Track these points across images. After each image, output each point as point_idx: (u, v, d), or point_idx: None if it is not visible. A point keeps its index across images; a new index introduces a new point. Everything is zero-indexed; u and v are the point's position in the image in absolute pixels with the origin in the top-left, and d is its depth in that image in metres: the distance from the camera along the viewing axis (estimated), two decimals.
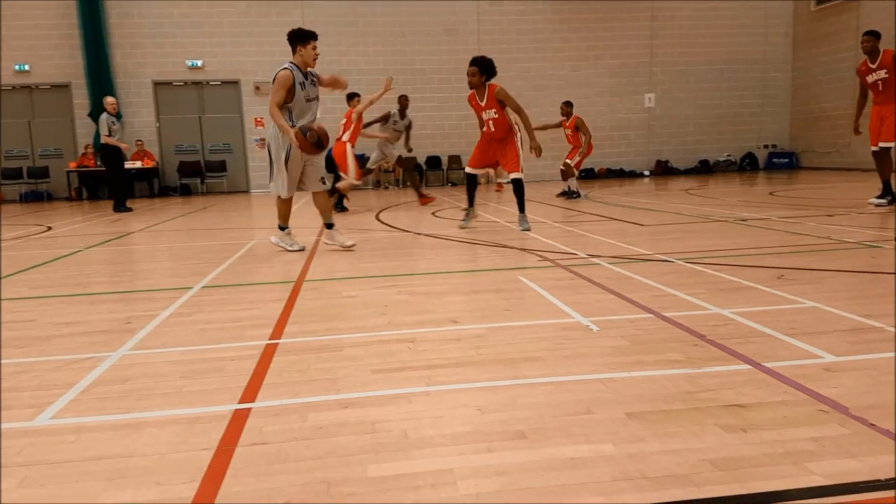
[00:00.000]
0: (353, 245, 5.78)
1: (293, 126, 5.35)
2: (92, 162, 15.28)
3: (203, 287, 4.31)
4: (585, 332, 2.93)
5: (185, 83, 16.51)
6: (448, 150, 17.35)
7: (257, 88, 16.49)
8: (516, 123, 6.67)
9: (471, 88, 6.71)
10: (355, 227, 7.80)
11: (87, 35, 15.40)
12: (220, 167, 16.66)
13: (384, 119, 10.37)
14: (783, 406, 1.99)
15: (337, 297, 3.90)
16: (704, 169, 18.12)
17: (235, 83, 16.57)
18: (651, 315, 3.16)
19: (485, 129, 6.79)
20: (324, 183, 5.76)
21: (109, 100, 11.14)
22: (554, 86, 17.13)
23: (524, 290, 3.88)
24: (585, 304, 3.46)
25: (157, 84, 16.33)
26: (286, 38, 5.51)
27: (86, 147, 15.63)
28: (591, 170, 17.46)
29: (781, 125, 18.68)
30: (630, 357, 2.54)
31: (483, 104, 6.65)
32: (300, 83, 5.37)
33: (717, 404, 2.03)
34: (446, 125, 17.30)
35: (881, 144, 7.60)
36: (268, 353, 2.73)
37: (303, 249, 5.85)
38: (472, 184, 7.15)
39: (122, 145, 11.12)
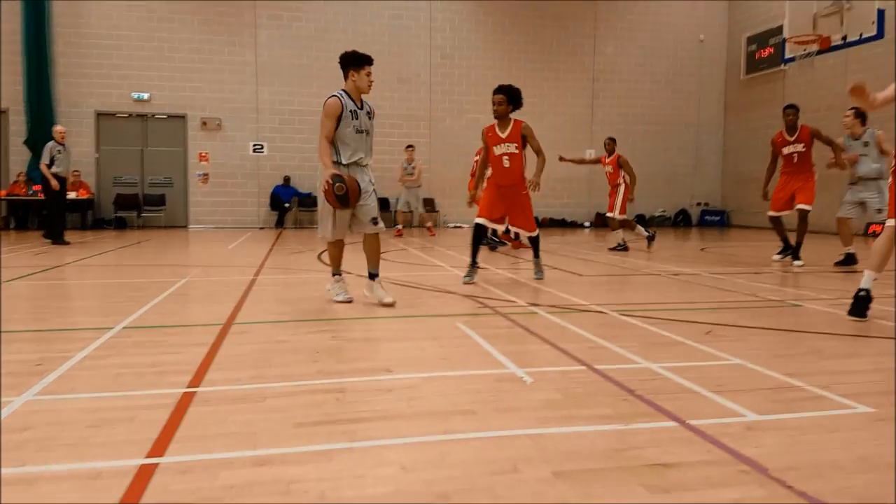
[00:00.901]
0: (392, 302, 4.91)
1: (338, 164, 4.82)
2: (23, 190, 14.66)
3: (125, 327, 4.10)
4: (519, 383, 2.90)
5: (130, 115, 16.15)
6: (397, 193, 17.47)
7: (204, 124, 16.31)
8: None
9: (496, 118, 6.26)
10: (294, 267, 7.66)
11: (30, 62, 14.98)
12: (160, 201, 16.19)
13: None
14: (705, 466, 1.99)
15: (266, 341, 3.77)
16: (640, 223, 18.67)
17: (182, 117, 16.32)
18: (584, 367, 3.16)
19: (494, 168, 6.35)
20: (375, 224, 4.94)
21: (58, 129, 11.01)
22: None
23: (462, 337, 3.85)
24: (522, 354, 3.45)
25: (99, 115, 15.92)
26: (338, 62, 5.03)
27: (18, 175, 14.98)
28: (536, 218, 17.82)
29: (713, 185, 19.59)
30: (561, 411, 2.52)
31: (504, 136, 6.23)
32: (351, 111, 4.83)
33: (643, 463, 2.02)
34: (396, 168, 17.50)
35: (800, 207, 7.93)
36: (184, 403, 2.59)
37: (350, 301, 5.04)
38: (479, 236, 6.42)
39: (53, 182, 10.70)
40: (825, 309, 4.88)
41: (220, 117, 16.42)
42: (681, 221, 18.97)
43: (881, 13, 11.13)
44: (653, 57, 18.96)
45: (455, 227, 18.08)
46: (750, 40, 18.10)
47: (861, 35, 11.48)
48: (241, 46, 16.38)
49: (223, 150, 16.54)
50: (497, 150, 6.30)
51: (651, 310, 4.82)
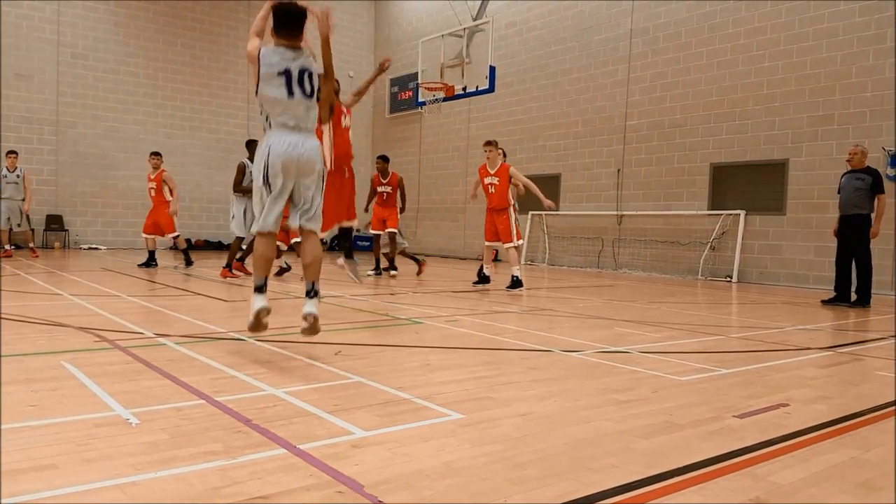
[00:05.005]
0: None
1: None
2: None
3: None
4: (123, 427, 2.58)
5: None
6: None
7: None
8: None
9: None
10: None
11: None
12: None
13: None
14: (305, 492, 2.00)
15: None
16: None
17: None
18: (203, 401, 2.97)
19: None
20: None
21: None
22: (148, 150, 16.26)
23: (64, 378, 3.30)
24: (134, 392, 3.09)
25: None
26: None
27: None
28: (189, 240, 16.74)
29: (362, 214, 21.02)
30: (164, 453, 2.30)
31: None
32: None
33: (242, 499, 1.94)
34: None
35: (389, 230, 10.59)
36: None
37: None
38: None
39: None
40: (441, 325, 5.51)
41: None
42: (336, 246, 19.81)
43: (492, 70, 13.22)
44: None
45: (90, 248, 15.97)
46: (393, 82, 19.93)
47: (477, 87, 13.48)
48: None
49: None
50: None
51: (289, 333, 4.83)
